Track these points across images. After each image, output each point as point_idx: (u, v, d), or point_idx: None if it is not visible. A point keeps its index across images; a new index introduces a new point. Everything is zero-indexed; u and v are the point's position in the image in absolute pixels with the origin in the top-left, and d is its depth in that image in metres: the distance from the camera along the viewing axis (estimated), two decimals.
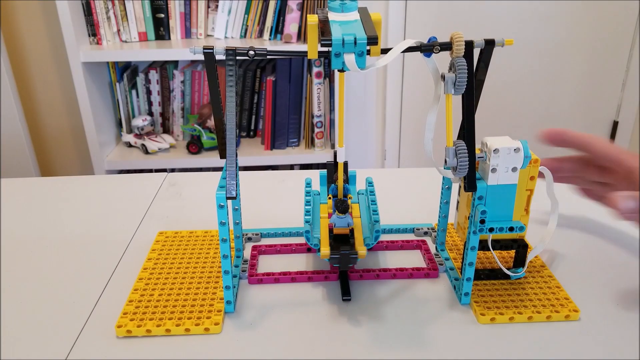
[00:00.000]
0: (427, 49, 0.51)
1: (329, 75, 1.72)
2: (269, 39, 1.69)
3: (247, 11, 1.70)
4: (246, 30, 1.72)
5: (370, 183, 0.68)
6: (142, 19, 1.68)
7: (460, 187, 0.61)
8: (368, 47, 0.50)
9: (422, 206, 0.78)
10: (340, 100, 0.56)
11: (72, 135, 1.94)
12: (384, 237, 0.71)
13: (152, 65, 1.78)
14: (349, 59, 0.46)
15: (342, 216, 0.59)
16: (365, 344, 0.53)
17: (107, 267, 0.65)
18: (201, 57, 0.52)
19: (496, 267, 0.62)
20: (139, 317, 0.55)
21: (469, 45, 0.51)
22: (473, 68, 0.52)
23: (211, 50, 0.52)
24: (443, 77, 0.51)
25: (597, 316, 0.56)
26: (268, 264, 0.66)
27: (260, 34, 1.72)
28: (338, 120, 0.58)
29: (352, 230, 0.60)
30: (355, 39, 0.46)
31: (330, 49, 0.46)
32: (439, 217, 0.67)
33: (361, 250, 0.56)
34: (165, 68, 1.77)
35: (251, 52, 0.52)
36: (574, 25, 1.88)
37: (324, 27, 0.49)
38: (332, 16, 0.51)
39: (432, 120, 0.53)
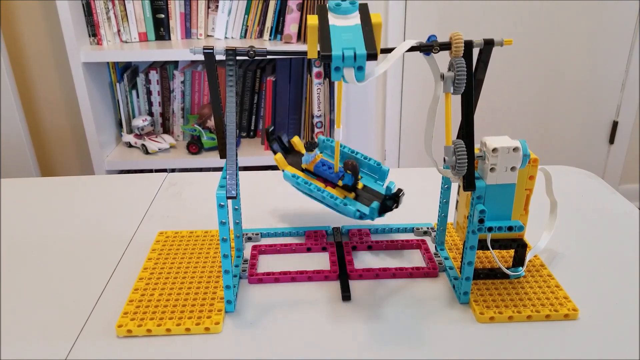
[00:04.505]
0: (426, 48, 0.51)
1: (328, 76, 1.72)
2: (269, 39, 1.69)
3: (247, 11, 1.70)
4: (246, 30, 1.72)
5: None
6: (143, 19, 1.68)
7: (459, 186, 0.61)
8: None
9: (422, 206, 0.78)
10: (339, 93, 0.56)
11: (73, 136, 1.94)
12: (384, 237, 0.71)
13: (153, 65, 1.78)
14: (349, 73, 0.47)
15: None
16: (365, 343, 0.53)
17: (108, 267, 0.65)
18: (201, 57, 0.52)
19: (495, 266, 0.62)
20: (140, 316, 0.55)
21: (468, 45, 0.51)
22: (472, 68, 0.52)
23: (211, 51, 0.52)
24: (442, 77, 0.51)
25: (596, 315, 0.56)
26: (268, 263, 0.66)
27: (260, 34, 1.72)
28: (336, 104, 0.58)
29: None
30: (355, 54, 0.46)
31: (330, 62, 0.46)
32: (439, 216, 0.67)
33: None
34: (165, 68, 1.77)
35: (251, 52, 0.52)
36: (574, 25, 1.87)
37: (323, 32, 0.49)
38: (332, 19, 0.50)
39: (431, 119, 0.53)
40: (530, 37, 1.89)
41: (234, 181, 0.51)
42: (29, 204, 0.82)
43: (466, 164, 0.52)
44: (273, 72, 1.76)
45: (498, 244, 0.59)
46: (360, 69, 0.46)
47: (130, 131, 1.80)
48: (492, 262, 0.63)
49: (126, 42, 1.70)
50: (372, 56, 0.46)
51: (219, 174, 0.82)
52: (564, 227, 0.72)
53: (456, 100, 0.52)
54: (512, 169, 0.54)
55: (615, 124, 2.04)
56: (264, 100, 1.78)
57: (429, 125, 0.54)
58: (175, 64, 1.78)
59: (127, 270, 0.64)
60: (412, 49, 0.51)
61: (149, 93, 1.79)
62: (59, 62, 1.83)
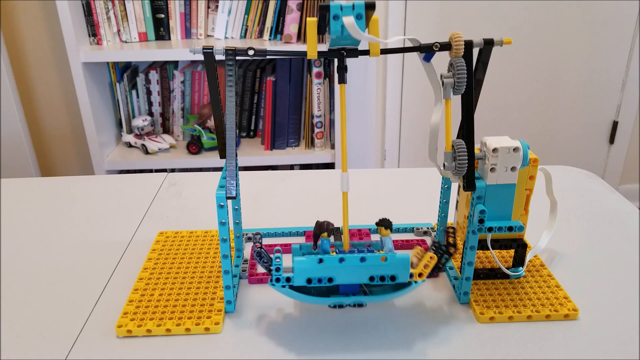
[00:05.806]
0: (426, 48, 0.51)
1: (328, 76, 1.72)
2: (269, 39, 1.69)
3: (247, 11, 1.70)
4: (246, 30, 1.72)
5: None
6: (142, 19, 1.68)
7: (459, 186, 0.61)
8: (367, 49, 0.51)
9: (422, 206, 0.78)
10: (343, 123, 0.53)
11: (73, 136, 1.94)
12: None
13: (152, 65, 1.78)
14: (349, 21, 0.46)
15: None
16: (365, 343, 0.53)
17: (107, 267, 0.65)
18: (201, 57, 0.52)
19: (495, 266, 0.62)
20: (139, 317, 0.55)
21: (468, 45, 0.51)
22: (472, 68, 0.52)
23: (211, 51, 0.52)
24: (442, 82, 0.51)
25: (597, 315, 0.56)
26: None
27: (260, 34, 1.72)
28: (341, 144, 0.54)
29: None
30: (353, 4, 0.46)
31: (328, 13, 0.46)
32: (439, 216, 0.67)
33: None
34: (165, 68, 1.77)
35: (251, 52, 0.52)
36: (574, 25, 1.87)
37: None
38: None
39: (435, 132, 0.53)
40: (530, 37, 1.89)
41: (233, 181, 0.51)
42: (29, 204, 0.82)
43: (466, 163, 0.52)
44: (273, 72, 1.76)
45: (498, 244, 0.59)
46: (359, 17, 0.46)
47: (130, 131, 1.80)
48: (492, 262, 0.63)
49: (126, 42, 1.70)
50: (370, 6, 0.46)
51: (219, 174, 0.82)
52: (564, 227, 0.72)
53: (456, 101, 0.52)
54: (512, 169, 0.54)
55: (615, 124, 2.04)
56: (264, 100, 1.78)
57: (432, 138, 0.54)
58: (175, 64, 1.78)
59: (127, 270, 0.64)
60: (413, 48, 0.51)
61: (148, 93, 1.79)
62: (59, 62, 1.83)
